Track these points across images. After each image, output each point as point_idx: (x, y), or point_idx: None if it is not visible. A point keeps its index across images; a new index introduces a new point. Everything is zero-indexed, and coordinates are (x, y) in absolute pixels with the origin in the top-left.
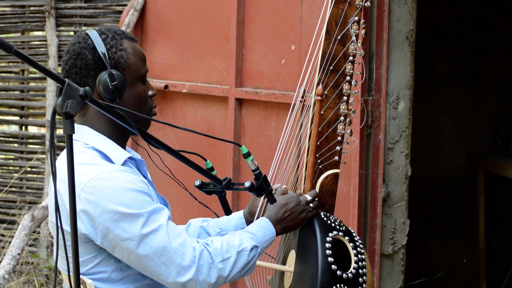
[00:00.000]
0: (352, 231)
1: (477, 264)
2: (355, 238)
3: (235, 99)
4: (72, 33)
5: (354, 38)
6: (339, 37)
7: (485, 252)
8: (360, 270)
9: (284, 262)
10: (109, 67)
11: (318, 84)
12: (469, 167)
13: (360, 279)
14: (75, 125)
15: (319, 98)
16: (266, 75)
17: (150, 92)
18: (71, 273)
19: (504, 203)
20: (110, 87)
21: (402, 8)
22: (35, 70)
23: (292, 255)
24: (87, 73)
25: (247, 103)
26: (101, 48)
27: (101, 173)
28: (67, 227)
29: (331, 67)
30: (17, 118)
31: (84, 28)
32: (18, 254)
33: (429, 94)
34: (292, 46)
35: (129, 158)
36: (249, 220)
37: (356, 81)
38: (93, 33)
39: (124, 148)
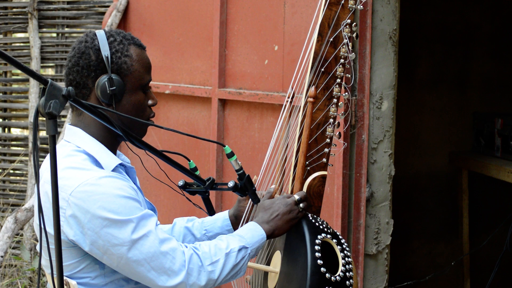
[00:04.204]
0: (338, 233)
1: (461, 264)
2: (342, 241)
3: (218, 100)
4: (54, 35)
5: (346, 40)
6: (331, 39)
7: (468, 251)
8: (347, 273)
9: (268, 263)
10: (110, 71)
11: (309, 86)
12: (452, 167)
13: (347, 282)
14: (68, 125)
15: (311, 99)
16: (249, 76)
17: (149, 102)
18: (55, 274)
19: (487, 202)
20: (108, 91)
21: (385, 7)
22: (17, 72)
23: (278, 255)
24: (88, 74)
25: (231, 103)
26: (105, 51)
27: (90, 179)
28: (52, 229)
29: (322, 69)
30: None
31: (67, 29)
32: (1, 256)
33: (412, 94)
34: (275, 46)
35: (120, 164)
36: (234, 222)
37: (346, 83)
38: (101, 34)
39: (115, 152)
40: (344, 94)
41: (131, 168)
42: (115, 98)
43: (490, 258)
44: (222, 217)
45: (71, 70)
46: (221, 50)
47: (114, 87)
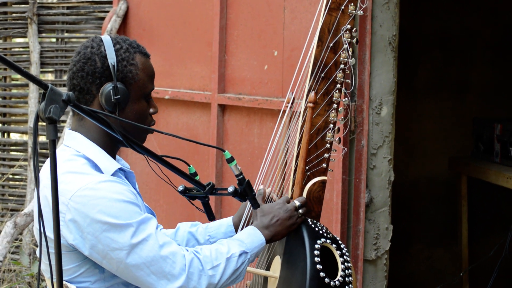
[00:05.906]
0: (338, 238)
1: (460, 269)
2: (341, 246)
3: (218, 105)
4: (54, 40)
5: (346, 46)
6: (331, 44)
7: (467, 257)
8: (346, 278)
9: (268, 268)
10: (116, 79)
11: (309, 91)
12: (451, 172)
13: (346, 286)
14: (68, 130)
15: (311, 105)
16: (249, 81)
17: (151, 110)
18: (54, 279)
19: (486, 208)
20: (112, 100)
21: (385, 13)
22: (17, 77)
23: (277, 260)
24: (93, 80)
25: (230, 109)
26: (112, 58)
27: (89, 183)
28: (52, 233)
29: (322, 74)
30: None
31: (66, 34)
32: (0, 261)
33: (411, 99)
34: (275, 52)
35: (119, 169)
36: (238, 228)
37: (345, 89)
38: (107, 41)
39: (114, 157)
40: (344, 100)
41: (131, 173)
42: (118, 106)
43: (489, 263)
44: (226, 223)
45: (75, 75)
46: (220, 55)
47: (119, 96)
